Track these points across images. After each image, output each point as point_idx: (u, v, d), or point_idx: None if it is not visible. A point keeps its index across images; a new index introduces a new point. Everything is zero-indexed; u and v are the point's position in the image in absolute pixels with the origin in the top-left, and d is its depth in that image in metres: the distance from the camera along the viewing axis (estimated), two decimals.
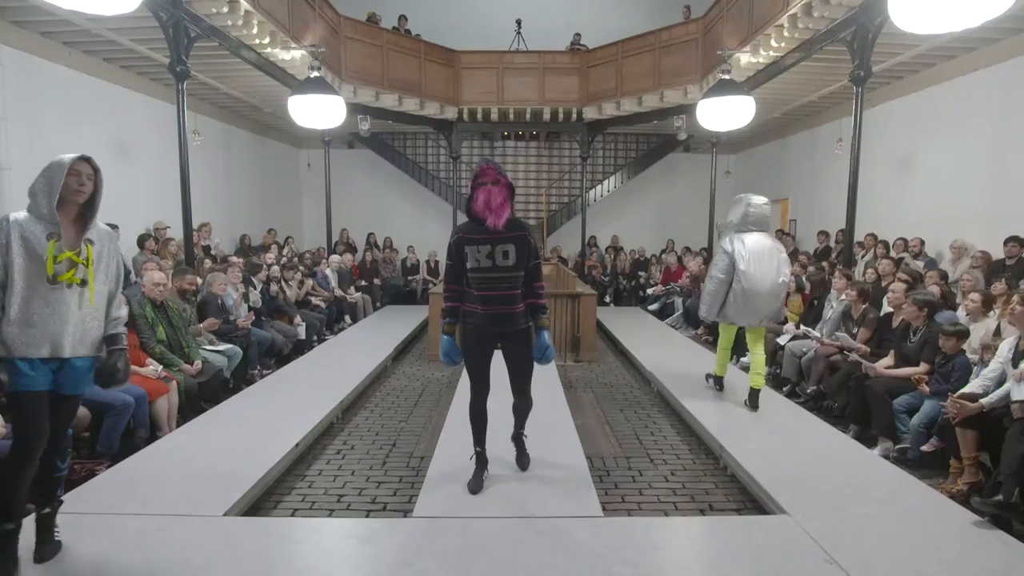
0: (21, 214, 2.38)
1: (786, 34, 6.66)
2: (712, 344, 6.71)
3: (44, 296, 2.34)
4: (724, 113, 7.32)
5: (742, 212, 4.59)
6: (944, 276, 5.63)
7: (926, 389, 3.96)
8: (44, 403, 2.41)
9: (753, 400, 4.70)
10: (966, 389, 3.51)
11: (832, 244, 9.10)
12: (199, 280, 5.57)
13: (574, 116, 11.06)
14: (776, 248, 4.60)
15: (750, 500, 3.47)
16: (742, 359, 6.67)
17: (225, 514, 2.96)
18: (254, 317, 6.03)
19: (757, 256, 4.46)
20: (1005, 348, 3.49)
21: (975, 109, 6.83)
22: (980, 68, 6.72)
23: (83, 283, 2.41)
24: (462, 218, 12.12)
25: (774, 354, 5.99)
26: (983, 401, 3.33)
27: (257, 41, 6.82)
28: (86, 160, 2.43)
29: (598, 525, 2.90)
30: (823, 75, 7.90)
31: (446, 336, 3.20)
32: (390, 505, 3.43)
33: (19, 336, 2.31)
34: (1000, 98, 6.50)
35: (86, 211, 2.48)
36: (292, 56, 7.59)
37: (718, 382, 5.23)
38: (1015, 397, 3.14)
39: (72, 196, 2.40)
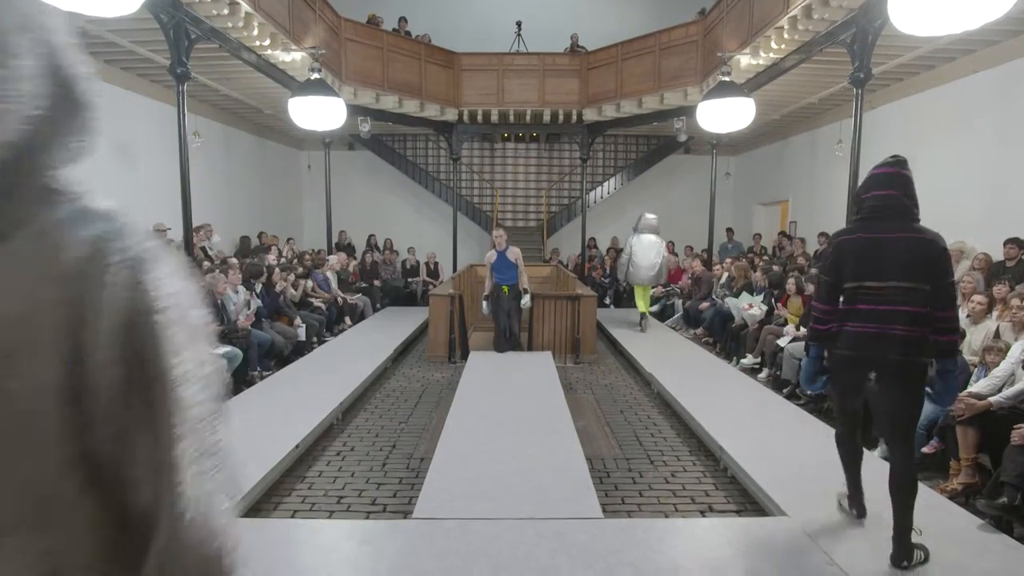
0: None
1: (786, 36, 6.66)
2: (712, 345, 7.78)
3: None
4: (724, 115, 7.33)
5: (641, 222, 8.03)
6: None
7: (927, 390, 3.95)
8: None
9: (642, 323, 8.22)
10: (974, 388, 3.51)
11: None
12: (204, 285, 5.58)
13: (574, 118, 11.06)
14: (658, 243, 7.92)
15: (750, 502, 3.47)
16: (742, 361, 6.70)
17: None
18: (254, 318, 6.03)
19: (645, 248, 7.86)
20: (1017, 350, 3.49)
21: (975, 111, 6.84)
22: (980, 70, 6.73)
23: None
24: (463, 219, 12.00)
25: (774, 356, 6.00)
26: (992, 399, 3.33)
27: (258, 43, 6.82)
28: None
29: (598, 526, 2.90)
30: (823, 77, 7.90)
31: None
32: (390, 506, 3.42)
33: None
34: (1000, 100, 6.50)
35: None
36: (293, 58, 7.60)
37: (643, 317, 8.29)
38: None
39: None
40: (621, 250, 12.58)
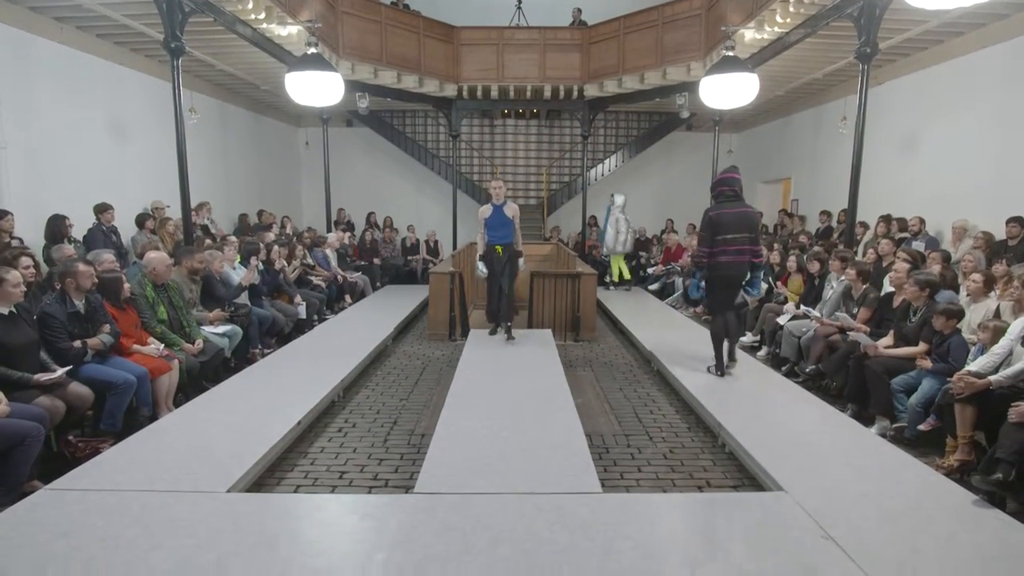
0: None
1: (791, 9, 6.54)
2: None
3: None
4: (727, 91, 7.20)
5: (619, 201, 9.76)
6: (947, 257, 5.61)
7: (928, 364, 3.97)
8: None
9: (616, 287, 10.10)
10: (973, 367, 3.52)
11: (834, 224, 9.06)
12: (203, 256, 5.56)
13: (575, 94, 10.92)
14: (626, 220, 9.85)
15: (747, 477, 3.51)
16: (741, 339, 6.73)
17: (229, 491, 2.99)
18: (254, 280, 6.02)
19: (620, 223, 9.76)
20: (1017, 328, 3.48)
21: (982, 87, 6.74)
22: (988, 45, 6.61)
23: None
24: (463, 197, 12.03)
25: (774, 334, 6.01)
26: (992, 378, 3.34)
27: (253, 16, 6.70)
28: None
29: (597, 501, 2.93)
30: (828, 52, 7.77)
31: None
32: (391, 482, 3.46)
33: None
34: (1008, 76, 6.40)
35: None
36: (289, 32, 7.46)
37: (615, 283, 10.15)
38: None
39: None
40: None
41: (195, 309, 5.18)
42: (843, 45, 7.20)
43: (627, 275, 10.30)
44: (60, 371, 3.48)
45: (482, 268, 6.35)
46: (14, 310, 3.47)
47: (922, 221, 7.11)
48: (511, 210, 6.19)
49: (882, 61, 7.68)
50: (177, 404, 4.28)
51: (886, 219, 7.59)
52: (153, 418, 3.99)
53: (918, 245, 6.65)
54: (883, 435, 3.99)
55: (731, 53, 7.19)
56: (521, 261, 6.37)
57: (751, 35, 7.58)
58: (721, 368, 5.00)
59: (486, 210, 6.23)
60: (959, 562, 2.44)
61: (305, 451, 3.85)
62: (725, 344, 5.02)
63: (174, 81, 5.68)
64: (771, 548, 2.53)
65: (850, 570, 2.35)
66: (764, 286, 6.93)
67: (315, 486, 3.40)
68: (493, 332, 6.57)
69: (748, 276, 4.88)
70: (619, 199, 9.71)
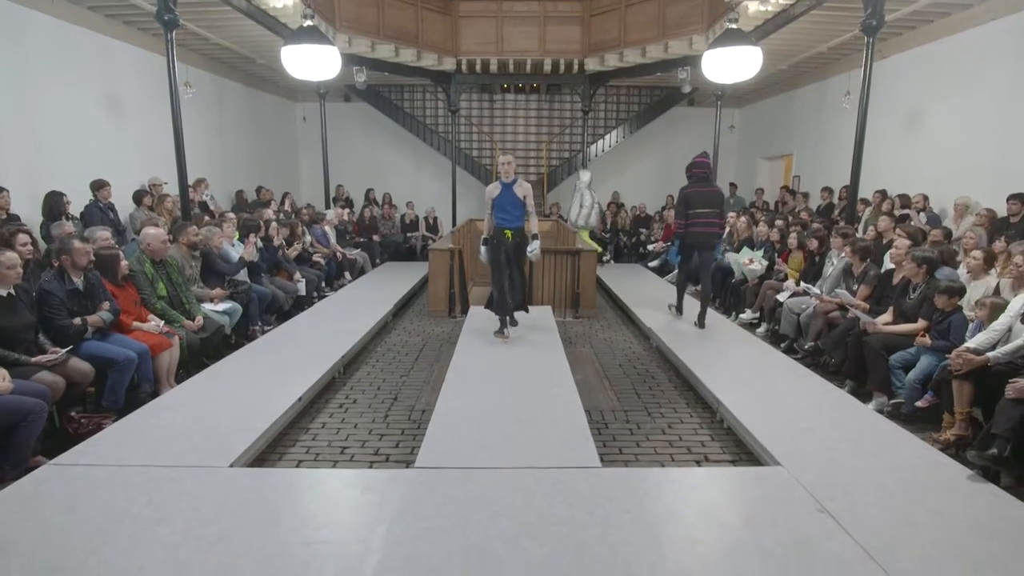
0: None
1: None
2: (711, 300, 7.54)
3: None
4: (730, 65, 7.08)
5: (586, 177, 10.15)
6: (948, 234, 5.59)
7: (928, 342, 3.98)
8: None
9: (599, 259, 9.21)
10: (972, 344, 3.53)
11: (836, 200, 9.01)
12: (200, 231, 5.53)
13: (576, 68, 10.76)
14: (591, 196, 10.06)
15: (745, 452, 3.55)
16: (741, 316, 6.74)
17: (231, 465, 3.02)
18: (253, 255, 6.00)
19: (579, 197, 10.09)
20: (1017, 304, 3.48)
21: (988, 62, 6.63)
22: (997, 18, 6.49)
23: None
24: (462, 173, 11.90)
25: (773, 311, 6.02)
26: (990, 355, 3.35)
27: None
28: None
29: (596, 475, 2.96)
30: (834, 25, 7.64)
31: None
32: (392, 456, 3.50)
33: None
34: (1015, 51, 6.29)
35: None
36: (284, 4, 7.31)
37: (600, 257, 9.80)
38: None
39: None
40: (622, 204, 12.59)
41: (196, 286, 5.18)
42: (848, 18, 7.07)
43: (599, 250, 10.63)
44: (60, 353, 3.49)
45: (483, 253, 5.59)
46: (12, 292, 3.46)
47: (925, 198, 7.07)
48: (522, 189, 5.39)
49: (887, 35, 7.54)
50: (178, 381, 4.30)
51: (882, 194, 7.54)
52: (155, 394, 4.02)
53: (919, 221, 6.62)
54: (880, 411, 4.02)
55: (734, 26, 7.05)
56: (536, 245, 5.44)
57: (755, 7, 7.43)
58: (680, 309, 6.25)
59: (493, 189, 5.45)
60: (953, 535, 2.47)
61: (306, 427, 3.89)
62: (690, 292, 6.22)
63: (168, 55, 5.58)
64: (768, 522, 2.57)
65: (845, 543, 2.39)
66: (759, 269, 7.02)
67: (316, 461, 3.44)
68: (499, 331, 5.55)
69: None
70: (584, 176, 10.14)
